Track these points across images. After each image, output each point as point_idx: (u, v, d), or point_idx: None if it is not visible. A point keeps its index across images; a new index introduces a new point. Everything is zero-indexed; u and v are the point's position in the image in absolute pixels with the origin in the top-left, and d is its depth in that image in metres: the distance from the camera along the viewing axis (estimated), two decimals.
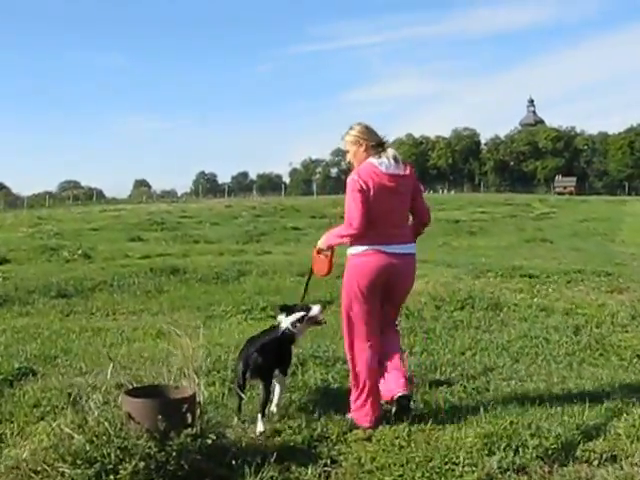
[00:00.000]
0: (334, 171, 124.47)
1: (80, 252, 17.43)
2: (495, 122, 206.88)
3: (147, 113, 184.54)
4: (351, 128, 4.88)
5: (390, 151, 4.80)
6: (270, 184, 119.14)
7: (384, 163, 4.71)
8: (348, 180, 4.73)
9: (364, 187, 4.62)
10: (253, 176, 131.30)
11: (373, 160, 4.73)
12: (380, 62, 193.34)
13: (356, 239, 4.70)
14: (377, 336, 4.84)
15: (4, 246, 20.02)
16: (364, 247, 4.69)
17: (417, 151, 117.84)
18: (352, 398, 4.87)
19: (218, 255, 17.57)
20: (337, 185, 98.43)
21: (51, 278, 12.92)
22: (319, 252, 4.99)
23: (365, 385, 4.78)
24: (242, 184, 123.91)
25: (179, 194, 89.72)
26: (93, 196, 76.10)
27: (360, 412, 4.77)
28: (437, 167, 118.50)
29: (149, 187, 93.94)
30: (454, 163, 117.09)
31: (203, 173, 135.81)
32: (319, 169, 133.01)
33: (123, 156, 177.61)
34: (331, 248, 4.95)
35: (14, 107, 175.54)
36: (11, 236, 24.59)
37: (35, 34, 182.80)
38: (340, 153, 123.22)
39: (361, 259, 4.71)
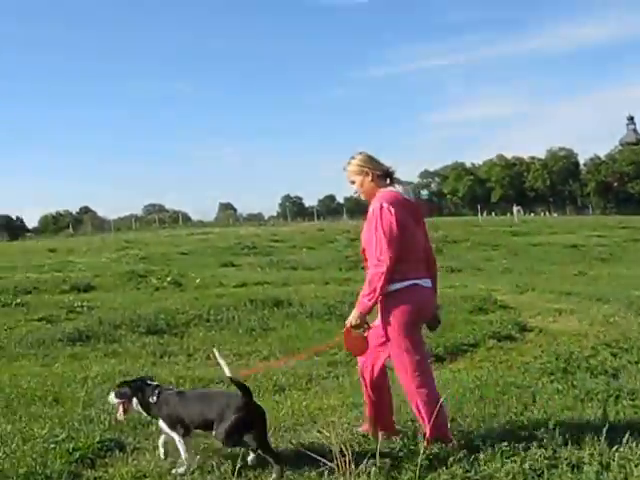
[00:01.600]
0: (424, 193, 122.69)
1: (170, 279, 16.03)
2: (591, 141, 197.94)
3: (226, 138, 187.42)
4: (352, 157, 4.66)
5: (401, 181, 4.63)
6: (358, 207, 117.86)
7: (405, 192, 4.55)
8: (372, 208, 4.47)
9: (392, 213, 4.37)
10: (340, 199, 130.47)
11: (392, 188, 4.55)
12: (457, 83, 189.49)
13: (392, 275, 4.35)
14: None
15: (89, 271, 18.91)
16: (406, 282, 4.44)
17: (511, 172, 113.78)
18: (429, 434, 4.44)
19: (323, 284, 15.79)
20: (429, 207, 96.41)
21: (139, 310, 11.36)
22: (350, 329, 4.50)
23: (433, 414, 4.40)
24: (329, 207, 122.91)
25: (265, 217, 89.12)
26: (179, 219, 75.95)
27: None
28: (534, 189, 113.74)
29: (234, 210, 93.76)
30: (552, 184, 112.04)
31: (289, 196, 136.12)
32: None
33: (206, 180, 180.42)
34: (365, 321, 4.49)
35: (98, 133, 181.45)
36: (96, 261, 23.38)
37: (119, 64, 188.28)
38: (429, 175, 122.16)
39: (407, 295, 4.45)
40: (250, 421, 4.19)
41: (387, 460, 4.18)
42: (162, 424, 4.51)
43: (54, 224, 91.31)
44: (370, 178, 4.58)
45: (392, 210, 4.37)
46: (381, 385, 4.69)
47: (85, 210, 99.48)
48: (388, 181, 4.60)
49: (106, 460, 4.70)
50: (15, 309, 12.42)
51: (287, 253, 27.22)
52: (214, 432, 4.25)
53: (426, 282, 4.57)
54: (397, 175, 4.66)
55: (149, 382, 4.68)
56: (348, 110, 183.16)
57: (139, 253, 26.07)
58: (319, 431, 4.88)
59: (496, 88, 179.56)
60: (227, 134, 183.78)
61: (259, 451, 4.23)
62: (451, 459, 4.21)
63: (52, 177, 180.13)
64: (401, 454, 4.33)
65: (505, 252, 26.30)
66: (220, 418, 4.22)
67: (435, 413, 4.35)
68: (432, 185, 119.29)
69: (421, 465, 4.03)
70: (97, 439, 4.90)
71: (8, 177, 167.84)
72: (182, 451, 4.42)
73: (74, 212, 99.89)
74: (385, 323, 4.48)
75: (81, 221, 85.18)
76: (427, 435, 4.43)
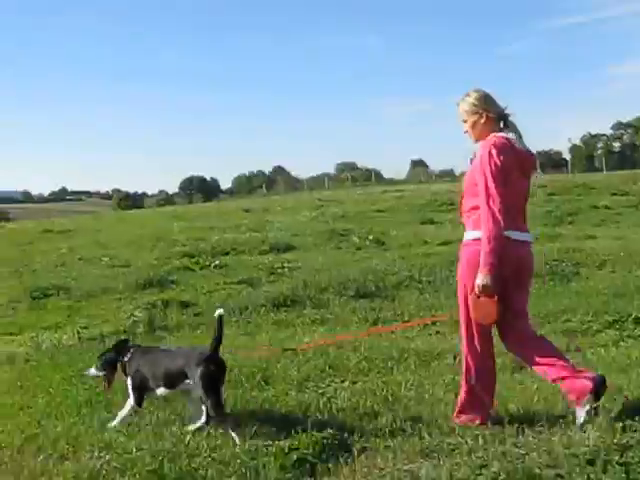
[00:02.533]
0: (617, 145, 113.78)
1: (371, 238, 14.95)
2: None
3: (404, 96, 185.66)
4: (467, 95, 4.29)
5: (516, 127, 4.25)
6: (549, 161, 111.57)
7: (516, 140, 4.18)
8: (480, 154, 4.11)
9: (501, 160, 4.03)
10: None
11: (503, 134, 4.19)
12: None
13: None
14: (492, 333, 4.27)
15: (287, 231, 18.37)
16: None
17: None
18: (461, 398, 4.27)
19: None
20: (622, 160, 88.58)
21: (344, 271, 10.28)
22: (480, 295, 4.00)
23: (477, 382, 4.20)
24: None
25: (457, 173, 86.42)
26: (371, 177, 75.27)
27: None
28: None
29: (426, 167, 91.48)
30: None
31: None
32: (600, 144, 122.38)
33: (394, 138, 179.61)
34: (494, 282, 3.97)
35: (279, 92, 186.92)
36: (294, 220, 22.99)
37: (289, 19, 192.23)
38: (622, 127, 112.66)
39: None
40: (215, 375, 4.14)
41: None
42: (128, 382, 4.49)
43: (247, 184, 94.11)
44: (483, 120, 4.24)
45: (500, 157, 4.05)
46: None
47: (278, 170, 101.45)
48: (502, 125, 4.26)
49: (329, 465, 3.67)
50: (214, 271, 12.05)
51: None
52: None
53: (525, 236, 4.21)
54: (512, 120, 4.29)
55: (128, 344, 4.70)
56: (534, 61, 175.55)
57: (336, 212, 25.37)
58: None
59: None
60: (417, 90, 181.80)
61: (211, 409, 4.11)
62: None
63: (245, 138, 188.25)
64: None
65: None
66: (187, 373, 4.19)
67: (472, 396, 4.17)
68: (625, 137, 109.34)
69: None
70: (317, 435, 3.86)
71: (203, 140, 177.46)
72: (123, 411, 4.43)
73: (267, 172, 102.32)
74: (462, 276, 4.20)
75: (274, 181, 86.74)
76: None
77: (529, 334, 4.20)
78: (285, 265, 11.89)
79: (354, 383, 5.13)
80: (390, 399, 4.66)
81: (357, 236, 15.42)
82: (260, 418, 4.31)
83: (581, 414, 3.89)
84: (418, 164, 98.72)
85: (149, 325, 7.73)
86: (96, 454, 3.89)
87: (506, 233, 3.98)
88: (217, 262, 12.56)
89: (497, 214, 3.94)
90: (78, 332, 7.81)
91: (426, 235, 15.96)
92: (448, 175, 76.95)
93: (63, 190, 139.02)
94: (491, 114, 4.21)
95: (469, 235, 4.17)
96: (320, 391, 4.85)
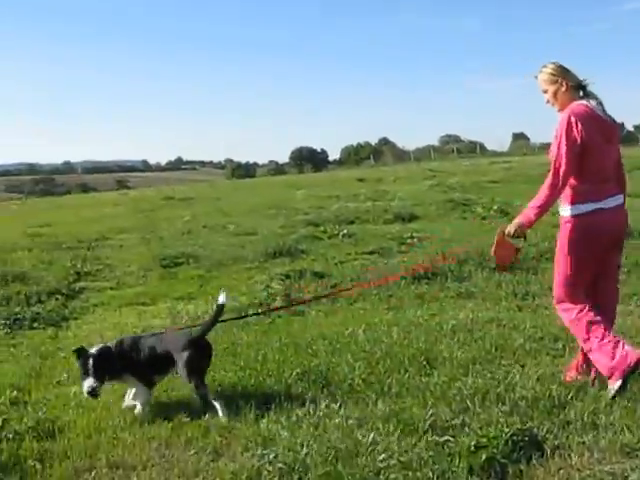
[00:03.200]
0: None
1: (495, 207, 14.38)
2: None
3: (503, 71, 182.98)
4: (544, 66, 4.32)
5: (596, 96, 4.23)
6: None
7: (598, 108, 4.16)
8: (559, 119, 4.11)
9: (579, 128, 4.03)
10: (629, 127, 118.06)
11: (584, 102, 4.17)
12: None
13: (573, 195, 4.15)
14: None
15: (408, 200, 17.76)
16: (589, 206, 4.13)
17: None
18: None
19: None
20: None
21: (477, 241, 9.71)
22: (504, 236, 4.22)
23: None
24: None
25: None
26: (475, 149, 73.20)
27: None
28: None
29: (527, 139, 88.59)
30: None
31: None
32: None
33: (498, 110, 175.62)
34: (524, 233, 4.21)
35: (377, 66, 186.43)
36: (411, 190, 22.38)
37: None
38: None
39: (588, 220, 4.13)
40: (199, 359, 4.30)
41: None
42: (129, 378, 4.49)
43: (355, 155, 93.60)
44: (564, 88, 4.25)
45: (579, 124, 4.05)
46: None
47: (384, 141, 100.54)
48: (581, 94, 4.25)
49: (520, 467, 3.24)
50: (343, 241, 11.73)
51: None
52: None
53: (608, 203, 4.17)
54: (591, 89, 4.28)
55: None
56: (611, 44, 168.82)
57: (452, 182, 24.57)
58: None
59: None
60: (511, 65, 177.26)
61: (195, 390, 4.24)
62: None
63: (354, 110, 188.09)
64: None
65: None
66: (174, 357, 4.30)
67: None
68: None
69: None
70: (505, 430, 3.41)
71: (312, 115, 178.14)
72: (140, 401, 4.40)
73: (373, 144, 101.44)
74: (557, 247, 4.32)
75: (381, 152, 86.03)
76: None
77: (597, 299, 4.27)
78: (414, 235, 11.44)
79: (522, 367, 4.62)
80: (574, 386, 4.13)
81: (482, 206, 14.76)
82: (431, 409, 3.87)
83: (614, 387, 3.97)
84: (519, 137, 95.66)
85: (286, 297, 7.41)
86: (256, 451, 3.53)
87: (599, 205, 4.11)
88: (345, 231, 12.22)
89: (557, 179, 4.04)
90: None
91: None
92: (549, 147, 74.29)
93: (179, 159, 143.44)
94: (570, 82, 4.24)
95: (571, 210, 4.18)
96: (490, 376, 4.37)
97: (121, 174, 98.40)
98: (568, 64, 4.26)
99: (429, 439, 3.45)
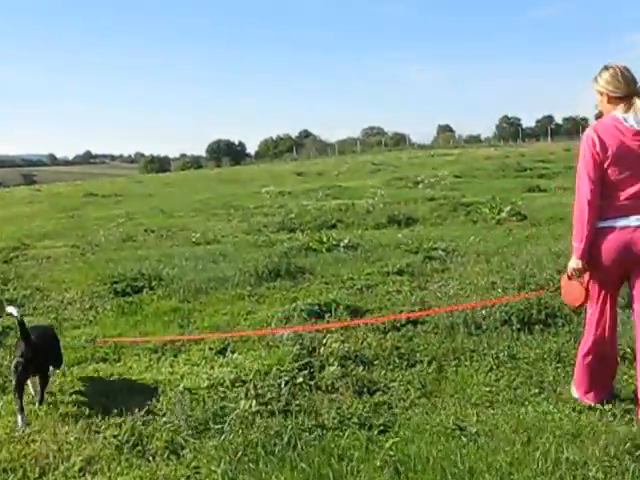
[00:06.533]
0: None
1: (509, 209, 12.07)
2: None
3: (427, 61, 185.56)
4: (601, 73, 4.00)
5: (637, 107, 3.91)
6: (576, 128, 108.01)
7: (630, 118, 3.88)
8: (582, 136, 4.00)
9: (598, 145, 3.84)
10: (558, 120, 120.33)
11: (617, 113, 3.93)
12: None
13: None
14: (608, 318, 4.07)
15: (387, 198, 15.44)
16: (601, 224, 3.89)
17: None
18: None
19: None
20: None
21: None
22: (570, 277, 4.04)
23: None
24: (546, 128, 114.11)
25: (482, 139, 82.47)
26: (403, 141, 72.15)
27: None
28: None
29: (453, 132, 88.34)
30: None
31: (506, 117, 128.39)
32: None
33: (419, 103, 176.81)
34: (585, 267, 3.95)
35: (304, 55, 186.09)
36: (364, 184, 20.00)
37: None
38: None
39: (598, 239, 3.89)
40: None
41: None
42: None
43: (275, 148, 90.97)
44: (606, 100, 3.98)
45: (596, 140, 3.84)
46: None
47: (305, 134, 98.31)
48: (623, 105, 3.88)
49: None
50: (347, 253, 9.01)
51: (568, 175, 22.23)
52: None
53: (625, 221, 3.82)
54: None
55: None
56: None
57: (410, 175, 22.26)
58: None
59: None
60: (438, 55, 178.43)
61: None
62: None
63: (275, 100, 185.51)
64: None
65: None
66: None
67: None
68: None
69: None
70: None
71: (227, 108, 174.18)
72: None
73: (294, 136, 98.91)
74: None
75: (302, 145, 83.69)
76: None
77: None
78: (434, 246, 8.97)
79: None
80: None
81: (489, 207, 12.31)
82: None
83: None
84: (445, 129, 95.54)
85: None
86: None
87: (608, 223, 3.85)
88: (346, 240, 9.47)
89: (583, 200, 3.84)
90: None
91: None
92: (474, 140, 74.44)
93: (87, 153, 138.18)
94: (615, 94, 3.92)
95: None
96: None
97: (28, 168, 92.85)
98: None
99: None
